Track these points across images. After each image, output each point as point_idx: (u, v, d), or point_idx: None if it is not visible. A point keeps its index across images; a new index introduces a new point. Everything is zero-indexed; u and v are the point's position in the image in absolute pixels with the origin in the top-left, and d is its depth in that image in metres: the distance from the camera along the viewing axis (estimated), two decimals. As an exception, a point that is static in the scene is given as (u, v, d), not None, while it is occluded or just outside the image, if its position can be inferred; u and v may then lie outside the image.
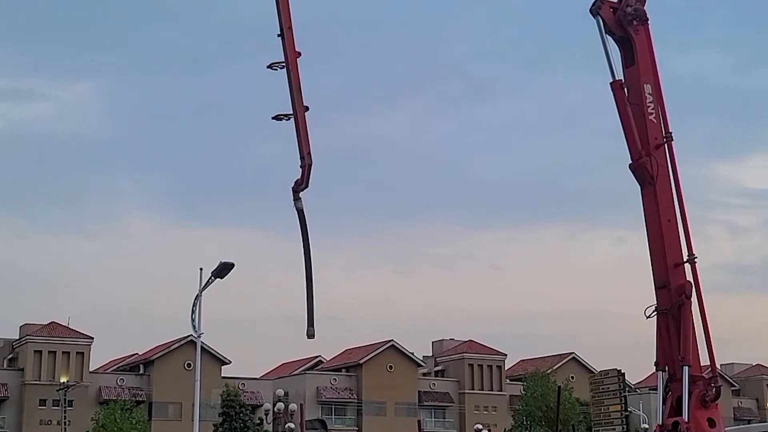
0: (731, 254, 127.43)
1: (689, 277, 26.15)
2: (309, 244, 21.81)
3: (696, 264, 26.19)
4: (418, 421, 15.83)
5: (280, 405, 45.48)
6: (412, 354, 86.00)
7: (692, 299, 25.95)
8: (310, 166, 21.99)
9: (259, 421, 50.75)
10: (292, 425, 15.60)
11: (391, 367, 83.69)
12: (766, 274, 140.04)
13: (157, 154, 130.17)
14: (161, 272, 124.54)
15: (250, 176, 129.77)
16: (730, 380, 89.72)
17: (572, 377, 78.61)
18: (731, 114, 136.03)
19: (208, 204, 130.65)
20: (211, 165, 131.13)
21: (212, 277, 28.21)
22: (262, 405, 59.47)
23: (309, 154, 22.09)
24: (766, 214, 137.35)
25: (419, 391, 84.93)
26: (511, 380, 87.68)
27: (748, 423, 59.69)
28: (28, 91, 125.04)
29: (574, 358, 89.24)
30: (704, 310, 26.00)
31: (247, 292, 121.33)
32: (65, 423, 65.82)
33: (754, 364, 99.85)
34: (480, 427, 16.11)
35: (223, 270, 27.93)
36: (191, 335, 66.85)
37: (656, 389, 28.71)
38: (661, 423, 25.24)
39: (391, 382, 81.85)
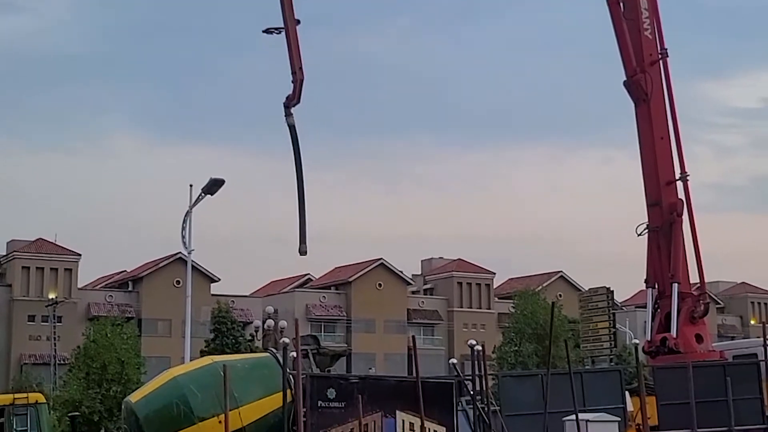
0: (717, 174, 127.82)
1: (681, 196, 26.24)
2: (300, 160, 21.73)
3: (688, 182, 26.25)
4: (413, 337, 16.02)
5: (270, 322, 45.69)
6: (401, 272, 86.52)
7: (683, 217, 26.07)
8: (302, 81, 21.82)
9: (250, 338, 51.06)
10: (287, 340, 15.70)
11: (380, 285, 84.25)
12: (752, 194, 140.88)
13: (142, 70, 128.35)
14: (148, 190, 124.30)
15: (238, 93, 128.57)
16: (715, 298, 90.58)
17: (560, 295, 79.30)
18: (719, 32, 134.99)
19: (196, 121, 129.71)
20: (198, 81, 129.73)
21: (202, 194, 28.04)
22: (251, 322, 59.78)
23: (300, 69, 21.91)
24: (753, 133, 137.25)
25: (408, 309, 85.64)
26: (499, 299, 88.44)
27: (732, 339, 60.52)
28: (7, 3, 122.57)
29: (562, 276, 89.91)
30: (695, 228, 26.13)
31: (235, 211, 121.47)
32: (55, 339, 66.22)
33: (739, 283, 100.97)
34: (474, 342, 16.24)
35: (213, 186, 27.77)
36: (180, 252, 66.97)
37: (643, 307, 28.92)
38: (649, 339, 25.56)
39: (380, 300, 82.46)
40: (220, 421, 13.83)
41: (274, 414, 15.56)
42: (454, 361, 18.29)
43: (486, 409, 16.51)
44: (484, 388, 16.91)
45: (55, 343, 66.02)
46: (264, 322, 43.85)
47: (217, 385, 14.16)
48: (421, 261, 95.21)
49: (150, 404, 15.51)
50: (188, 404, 15.11)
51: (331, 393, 15.09)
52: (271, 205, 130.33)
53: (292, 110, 21.79)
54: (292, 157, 21.73)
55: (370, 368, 68.43)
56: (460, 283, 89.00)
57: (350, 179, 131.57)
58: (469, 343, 17.28)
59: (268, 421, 15.75)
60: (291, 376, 15.29)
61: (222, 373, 13.42)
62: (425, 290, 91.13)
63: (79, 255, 75.64)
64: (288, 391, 15.17)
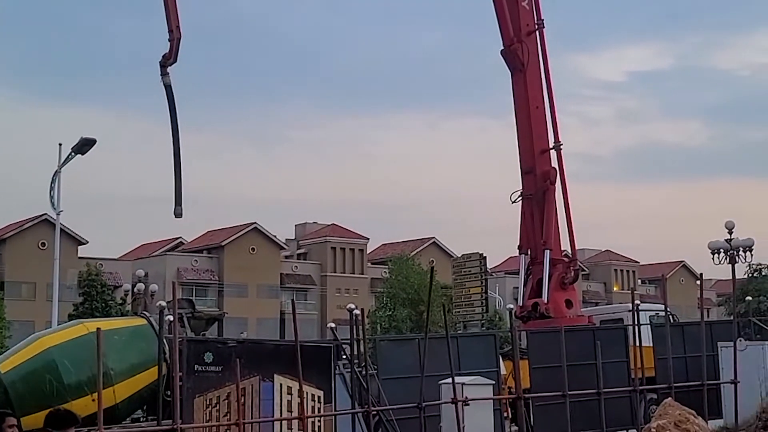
0: (583, 145, 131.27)
1: (554, 164, 26.84)
2: (177, 121, 21.24)
3: (561, 151, 26.87)
4: (291, 302, 15.85)
5: (141, 286, 44.93)
6: (275, 237, 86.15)
7: (556, 185, 26.70)
8: (179, 40, 21.31)
9: (121, 302, 50.08)
10: (163, 303, 15.36)
11: (253, 249, 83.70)
12: (616, 164, 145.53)
13: (4, 26, 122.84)
14: (11, 149, 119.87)
15: (111, 51, 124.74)
16: (581, 265, 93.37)
17: (432, 261, 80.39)
18: (586, 5, 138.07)
19: (64, 80, 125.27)
20: (67, 38, 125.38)
21: (72, 153, 27.19)
22: (121, 286, 58.69)
23: (178, 27, 21.39)
24: (617, 105, 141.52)
25: (281, 274, 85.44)
26: (372, 264, 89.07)
27: (596, 305, 62.54)
28: None
29: (434, 242, 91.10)
30: (567, 197, 26.81)
31: (104, 171, 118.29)
32: None
33: (603, 250, 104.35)
34: (353, 306, 16.27)
35: (84, 146, 26.96)
36: (46, 214, 65.07)
37: (512, 273, 29.52)
38: (521, 304, 26.15)
39: (253, 264, 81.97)
40: (93, 400, 13.39)
41: (148, 387, 15.27)
42: (333, 325, 18.30)
43: (363, 372, 16.56)
44: (362, 352, 16.96)
45: None
46: (134, 286, 42.98)
47: (92, 359, 13.63)
48: (295, 225, 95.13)
49: (20, 377, 14.83)
50: (62, 381, 14.62)
51: (209, 357, 14.80)
52: (141, 166, 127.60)
53: (169, 70, 21.28)
54: (167, 117, 21.24)
55: (241, 332, 68.08)
56: (334, 248, 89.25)
57: (223, 142, 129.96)
58: (348, 306, 17.27)
59: (142, 395, 15.45)
60: (166, 339, 15.00)
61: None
62: (299, 255, 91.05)
63: (-62, 215, 72.68)
64: (164, 363, 14.86)
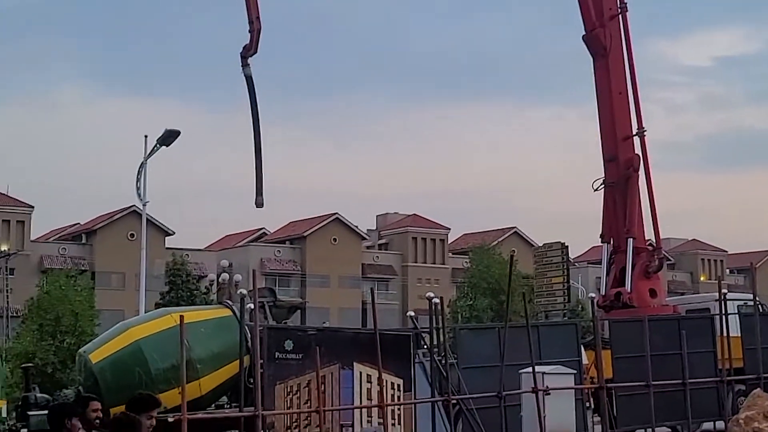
0: (667, 132, 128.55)
1: (638, 151, 26.37)
2: (258, 111, 21.42)
3: (645, 138, 26.35)
4: (371, 290, 15.87)
5: (225, 275, 45.61)
6: (356, 227, 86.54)
7: (639, 173, 26.22)
8: (259, 30, 21.48)
9: (206, 291, 50.91)
10: (244, 291, 15.56)
11: (335, 239, 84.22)
12: (701, 152, 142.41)
13: (83, 22, 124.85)
14: (99, 142, 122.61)
15: (190, 43, 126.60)
16: (666, 254, 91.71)
17: (513, 251, 79.76)
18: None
19: (146, 73, 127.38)
20: (147, 31, 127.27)
21: (158, 145, 27.66)
22: (206, 276, 59.64)
23: (258, 18, 21.56)
24: (701, 91, 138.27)
25: (363, 264, 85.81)
26: (453, 254, 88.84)
27: (682, 295, 61.39)
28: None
29: (516, 232, 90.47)
30: (651, 184, 26.31)
31: (189, 164, 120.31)
32: (7, 291, 65.41)
33: (689, 239, 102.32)
34: (432, 295, 16.29)
35: (168, 137, 27.40)
36: (134, 205, 66.47)
37: (595, 263, 29.07)
38: (604, 293, 25.77)
39: (335, 255, 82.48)
40: (179, 392, 13.65)
41: (232, 378, 15.47)
42: (412, 313, 18.28)
43: (443, 361, 16.52)
44: (442, 341, 16.92)
45: (7, 295, 65.25)
46: (219, 276, 43.62)
47: (179, 352, 13.90)
48: (377, 216, 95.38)
49: (111, 369, 15.13)
50: (150, 374, 14.90)
51: (289, 344, 14.94)
52: (224, 158, 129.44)
53: (249, 61, 21.47)
54: (247, 108, 21.44)
55: (324, 322, 68.57)
56: (415, 239, 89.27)
57: (304, 134, 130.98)
58: (427, 295, 17.22)
59: (225, 386, 15.67)
60: (248, 327, 15.17)
61: (184, 338, 13.12)
62: (380, 245, 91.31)
63: (32, 207, 74.68)
64: (247, 356, 15.02)
